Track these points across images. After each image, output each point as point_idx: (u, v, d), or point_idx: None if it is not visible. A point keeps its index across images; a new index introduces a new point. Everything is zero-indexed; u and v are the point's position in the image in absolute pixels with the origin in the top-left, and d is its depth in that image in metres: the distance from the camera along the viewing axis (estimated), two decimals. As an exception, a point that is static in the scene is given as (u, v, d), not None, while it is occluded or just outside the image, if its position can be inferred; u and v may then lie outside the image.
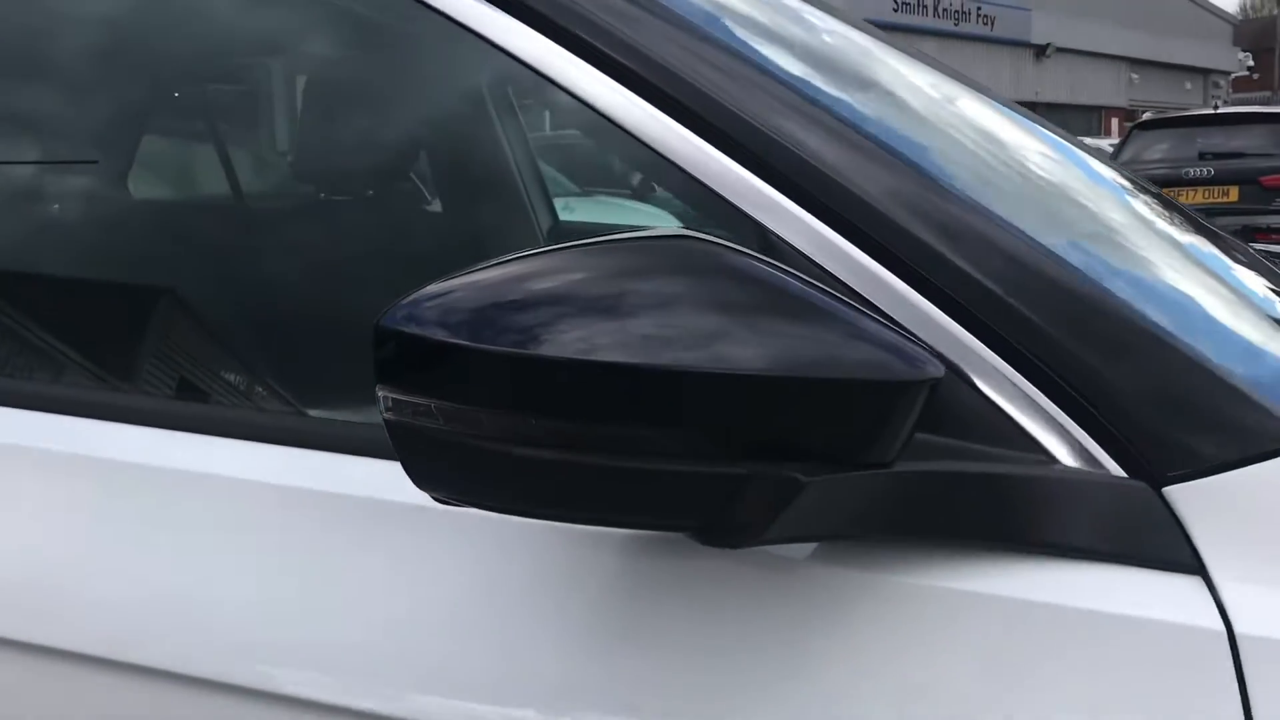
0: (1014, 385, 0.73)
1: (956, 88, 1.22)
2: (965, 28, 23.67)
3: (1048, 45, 25.75)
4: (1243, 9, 55.70)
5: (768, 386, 0.62)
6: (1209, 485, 0.69)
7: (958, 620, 0.69)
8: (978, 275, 0.75)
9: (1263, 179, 8.80)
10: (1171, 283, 0.94)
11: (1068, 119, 26.74)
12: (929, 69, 1.25)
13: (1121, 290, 0.78)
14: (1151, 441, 0.71)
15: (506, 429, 0.63)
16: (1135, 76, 29.44)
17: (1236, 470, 0.69)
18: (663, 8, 0.90)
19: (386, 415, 0.67)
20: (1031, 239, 0.79)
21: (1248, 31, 45.60)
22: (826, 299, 0.67)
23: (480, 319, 0.63)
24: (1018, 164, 1.09)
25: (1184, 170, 9.10)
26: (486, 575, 0.80)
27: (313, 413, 1.15)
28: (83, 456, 0.95)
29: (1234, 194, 8.90)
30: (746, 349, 0.62)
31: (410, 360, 0.66)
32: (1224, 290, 1.01)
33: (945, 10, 23.18)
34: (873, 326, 0.66)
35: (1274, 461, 0.70)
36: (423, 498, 0.69)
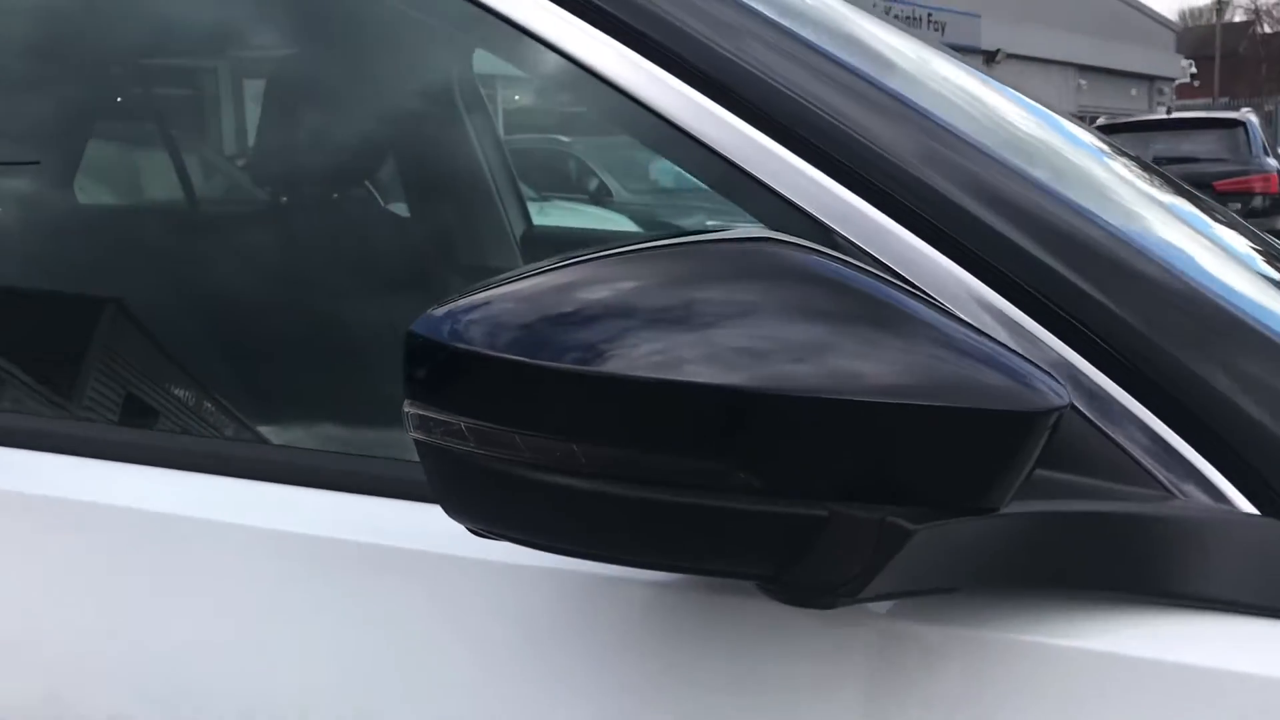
0: (1125, 409, 0.64)
1: (1010, 94, 1.15)
2: (916, 34, 23.78)
3: (998, 51, 26.00)
4: (1182, 17, 56.72)
5: (868, 414, 0.53)
6: None
7: (1089, 685, 0.60)
8: (1085, 285, 0.66)
9: (1216, 184, 8.89)
10: None
11: (1017, 124, 26.90)
12: (977, 75, 1.18)
13: (1245, 302, 0.70)
14: None
15: (546, 454, 0.54)
16: (1083, 82, 29.83)
17: None
18: None
19: (415, 435, 0.58)
20: (1144, 246, 0.70)
21: (1190, 39, 46.44)
22: (933, 313, 0.57)
23: (533, 331, 0.55)
24: (1118, 171, 1.01)
25: (1138, 175, 9.16)
26: (514, 622, 0.70)
27: (274, 440, 1.05)
28: (12, 492, 0.85)
29: (1188, 198, 8.96)
30: (842, 370, 0.53)
31: (446, 374, 0.57)
32: None
33: (897, 16, 23.22)
34: (989, 346, 0.56)
35: None
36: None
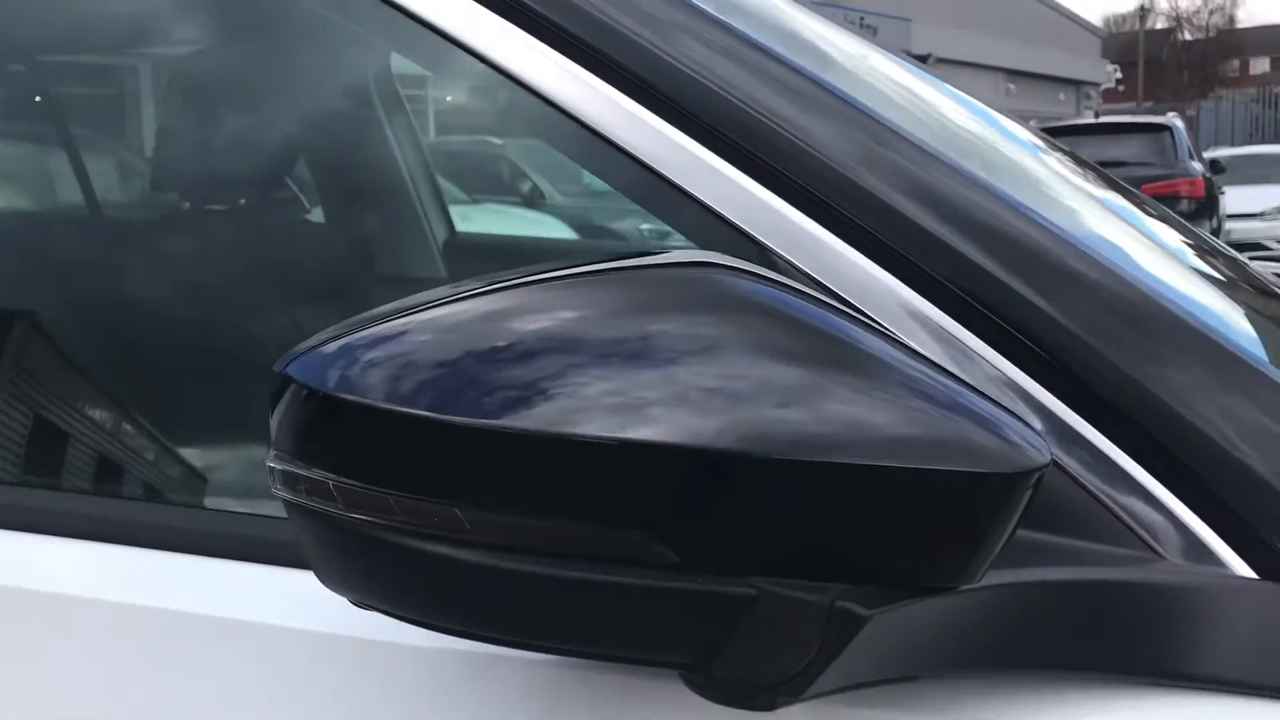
0: (1107, 459, 0.57)
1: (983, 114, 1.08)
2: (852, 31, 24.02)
3: (928, 56, 26.28)
4: (1107, 23, 57.84)
5: (806, 476, 0.44)
6: None
7: None
8: (1067, 322, 0.58)
9: (1143, 187, 8.99)
10: None
11: (948, 128, 27.27)
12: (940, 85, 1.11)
13: (1241, 341, 0.63)
14: None
15: (424, 518, 0.46)
16: (1012, 86, 30.26)
17: None
18: None
19: (278, 490, 0.50)
20: (1134, 278, 0.63)
21: (1114, 45, 47.34)
22: (891, 350, 0.49)
23: (410, 375, 0.46)
24: (1085, 184, 0.94)
25: (1068, 179, 9.28)
26: (396, 707, 0.61)
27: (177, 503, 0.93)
28: None
29: (1116, 202, 9.09)
30: (773, 422, 0.44)
31: (310, 422, 0.48)
32: None
33: (829, 19, 23.48)
34: (957, 391, 0.48)
35: None
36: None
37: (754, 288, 0.50)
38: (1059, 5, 33.73)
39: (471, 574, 0.47)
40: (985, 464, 0.45)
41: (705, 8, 0.71)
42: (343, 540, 0.48)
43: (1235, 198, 10.94)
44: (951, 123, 0.91)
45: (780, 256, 0.62)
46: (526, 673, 0.59)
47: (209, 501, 0.89)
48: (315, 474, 0.48)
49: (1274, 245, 11.42)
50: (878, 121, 0.66)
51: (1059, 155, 1.10)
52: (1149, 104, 37.64)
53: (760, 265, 0.55)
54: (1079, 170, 1.08)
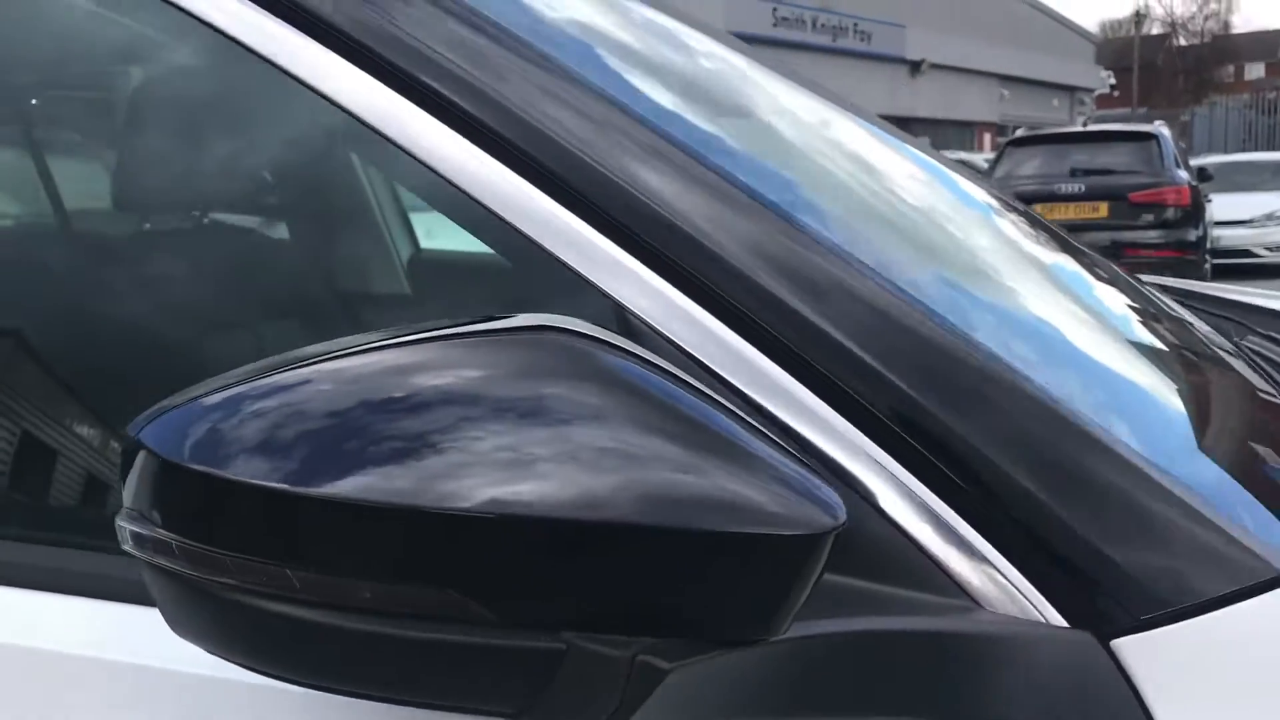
0: (927, 508, 0.58)
1: (856, 127, 1.08)
2: (843, 43, 24.05)
3: (922, 61, 26.33)
4: (1102, 29, 57.95)
5: (605, 536, 0.47)
6: (1166, 636, 0.56)
7: None
8: (886, 371, 0.60)
9: (1131, 195, 9.04)
10: (1127, 390, 0.79)
11: (942, 134, 27.36)
12: (814, 96, 1.11)
13: (1063, 394, 0.64)
14: (1099, 583, 0.57)
15: (257, 577, 0.49)
16: (1006, 93, 30.30)
17: (1200, 617, 0.56)
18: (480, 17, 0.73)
19: (128, 548, 0.52)
20: (954, 327, 0.64)
21: (1109, 51, 47.46)
22: (707, 411, 0.51)
23: (241, 442, 0.49)
24: (942, 234, 0.94)
25: (1055, 186, 9.31)
26: None
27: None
28: None
29: (1104, 210, 9.12)
30: (580, 486, 0.47)
31: (155, 484, 0.51)
32: (1192, 396, 0.86)
33: (824, 26, 23.50)
34: (765, 453, 0.50)
35: (1247, 604, 0.57)
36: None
37: (587, 351, 0.52)
38: (1053, 11, 33.78)
39: (303, 630, 0.49)
40: (779, 526, 0.48)
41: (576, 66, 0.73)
42: (188, 595, 0.51)
43: (1223, 205, 10.99)
44: (809, 158, 0.92)
45: (635, 316, 0.63)
46: (367, 711, 0.61)
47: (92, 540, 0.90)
48: (160, 534, 0.50)
49: (1263, 252, 11.47)
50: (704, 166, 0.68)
51: (953, 194, 1.10)
52: (1143, 110, 37.66)
53: (600, 324, 0.57)
54: (960, 208, 1.08)
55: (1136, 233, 9.00)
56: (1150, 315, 1.03)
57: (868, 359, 0.61)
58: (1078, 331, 0.87)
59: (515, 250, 0.69)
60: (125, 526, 0.52)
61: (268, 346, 0.93)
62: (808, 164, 0.93)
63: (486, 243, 0.77)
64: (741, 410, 0.54)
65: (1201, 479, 0.67)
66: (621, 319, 0.62)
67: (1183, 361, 0.95)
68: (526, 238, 0.64)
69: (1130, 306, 1.03)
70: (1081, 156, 9.66)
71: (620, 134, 0.68)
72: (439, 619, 0.48)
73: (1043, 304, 0.90)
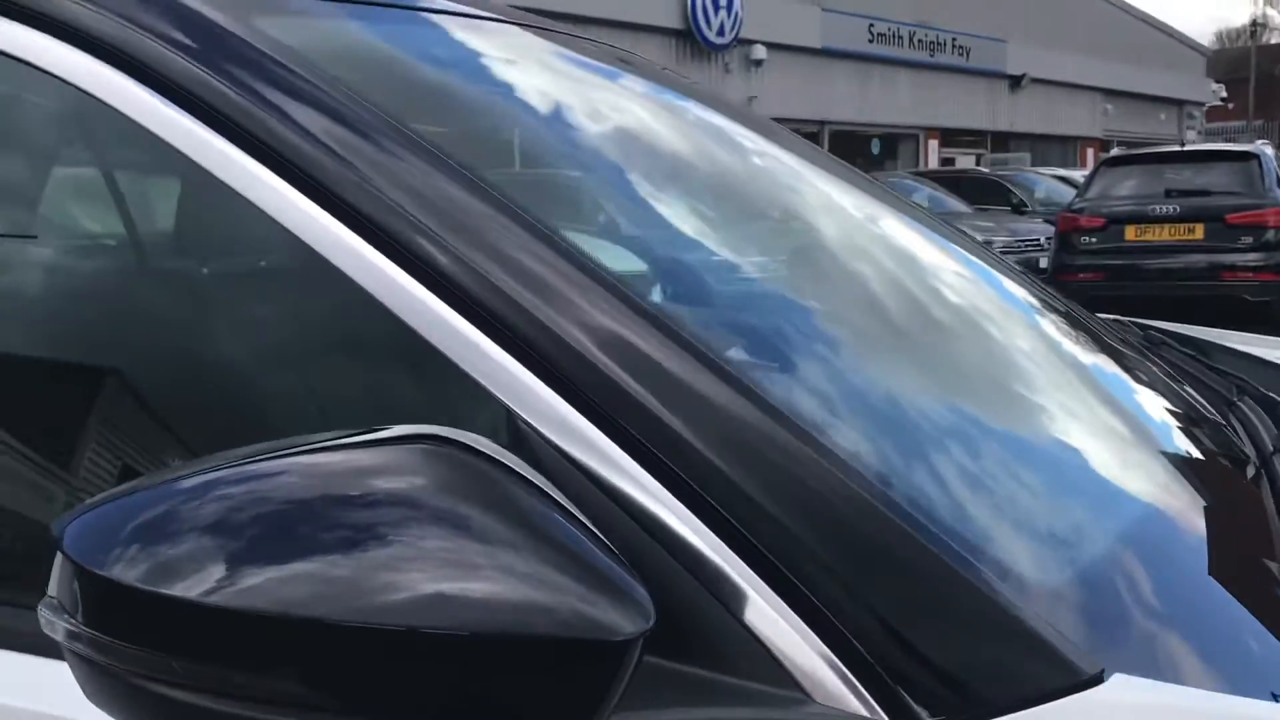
0: (760, 600, 0.63)
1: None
2: (941, 58, 23.74)
3: (1023, 76, 25.85)
4: (1219, 38, 56.18)
5: (401, 644, 0.54)
6: None
7: None
8: (718, 462, 0.65)
9: (1228, 217, 8.80)
10: (956, 490, 0.80)
11: (1044, 150, 26.81)
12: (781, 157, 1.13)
13: (897, 492, 0.69)
14: (916, 682, 0.61)
15: (147, 665, 0.58)
16: (1110, 107, 29.54)
17: (1018, 713, 0.61)
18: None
19: (45, 630, 0.62)
20: (787, 417, 0.69)
21: (1221, 62, 45.95)
22: (543, 514, 0.58)
23: (127, 546, 0.58)
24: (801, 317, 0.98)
25: (1150, 207, 9.10)
26: None
27: None
28: None
29: (1200, 231, 8.89)
30: (382, 594, 0.54)
31: (63, 578, 0.60)
32: (1051, 481, 0.88)
33: (921, 41, 23.23)
34: (591, 558, 0.57)
35: (1061, 703, 0.61)
36: None
37: (459, 460, 0.59)
38: (1161, 23, 32.84)
39: (188, 711, 0.57)
40: (578, 632, 0.54)
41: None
42: (94, 675, 0.59)
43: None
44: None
45: (522, 420, 0.69)
46: None
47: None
48: (69, 622, 0.59)
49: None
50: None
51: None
52: (1259, 122, 36.42)
53: (485, 435, 0.64)
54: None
55: (1235, 255, 8.76)
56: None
57: (712, 456, 0.65)
58: (922, 419, 0.89)
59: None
60: (45, 614, 0.60)
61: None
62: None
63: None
64: (572, 508, 0.61)
65: (1030, 579, 0.71)
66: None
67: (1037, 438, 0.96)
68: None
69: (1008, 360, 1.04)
70: (1178, 176, 9.43)
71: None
72: (304, 707, 0.55)
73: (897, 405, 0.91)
